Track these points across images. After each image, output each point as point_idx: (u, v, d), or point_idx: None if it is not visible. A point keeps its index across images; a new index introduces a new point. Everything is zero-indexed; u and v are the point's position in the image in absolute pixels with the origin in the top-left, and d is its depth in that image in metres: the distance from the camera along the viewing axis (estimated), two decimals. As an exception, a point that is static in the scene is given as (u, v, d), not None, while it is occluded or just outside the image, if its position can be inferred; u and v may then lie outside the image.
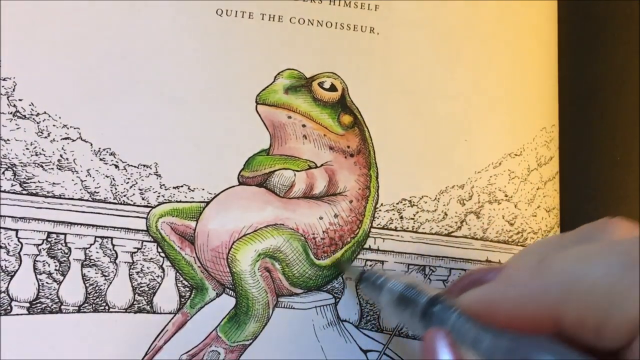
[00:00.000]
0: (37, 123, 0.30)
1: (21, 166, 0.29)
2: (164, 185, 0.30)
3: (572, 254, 0.18)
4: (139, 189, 0.30)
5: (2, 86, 0.30)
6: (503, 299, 0.19)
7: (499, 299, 0.19)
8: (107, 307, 0.29)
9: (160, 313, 0.29)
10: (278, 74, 0.32)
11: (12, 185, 0.29)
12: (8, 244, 0.29)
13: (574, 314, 0.17)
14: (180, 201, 0.30)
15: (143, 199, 0.30)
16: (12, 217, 0.29)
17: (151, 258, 0.30)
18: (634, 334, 0.16)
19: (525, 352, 0.18)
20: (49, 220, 0.29)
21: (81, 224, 0.29)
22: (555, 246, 0.20)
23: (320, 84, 0.31)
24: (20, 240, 0.29)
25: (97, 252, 0.29)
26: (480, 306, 0.19)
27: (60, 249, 0.29)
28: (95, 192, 0.30)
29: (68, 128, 0.30)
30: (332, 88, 0.32)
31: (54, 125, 0.30)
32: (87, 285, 0.29)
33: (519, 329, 0.18)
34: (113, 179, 0.30)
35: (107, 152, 0.30)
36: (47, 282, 0.29)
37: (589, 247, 0.18)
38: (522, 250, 0.23)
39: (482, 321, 0.19)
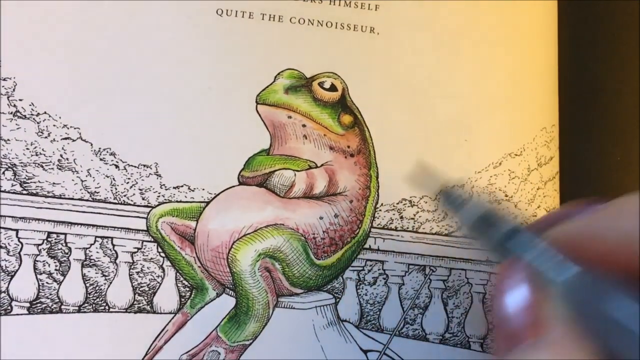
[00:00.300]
0: (38, 123, 0.30)
1: (21, 166, 0.29)
2: (164, 185, 0.30)
3: None
4: (139, 189, 0.30)
5: (3, 86, 0.30)
6: (608, 230, 0.16)
7: (602, 230, 0.16)
8: (107, 307, 0.29)
9: (161, 313, 0.29)
10: (278, 74, 0.32)
11: (13, 185, 0.29)
12: (8, 244, 0.29)
13: None
14: (180, 201, 0.30)
15: (143, 199, 0.30)
16: (12, 217, 0.29)
17: (151, 258, 0.30)
18: None
19: (612, 291, 0.16)
20: (49, 220, 0.29)
21: (81, 224, 0.29)
22: None
23: (321, 84, 0.32)
24: (21, 240, 0.29)
25: (97, 252, 0.29)
26: (576, 238, 0.17)
27: (61, 249, 0.29)
28: (95, 192, 0.30)
29: (68, 128, 0.30)
30: (332, 88, 0.32)
31: (54, 125, 0.30)
32: (87, 285, 0.29)
33: (611, 266, 0.16)
34: (113, 179, 0.30)
35: (107, 152, 0.30)
36: (47, 282, 0.29)
37: None
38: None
39: (573, 256, 0.17)
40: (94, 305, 0.29)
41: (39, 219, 0.29)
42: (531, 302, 0.17)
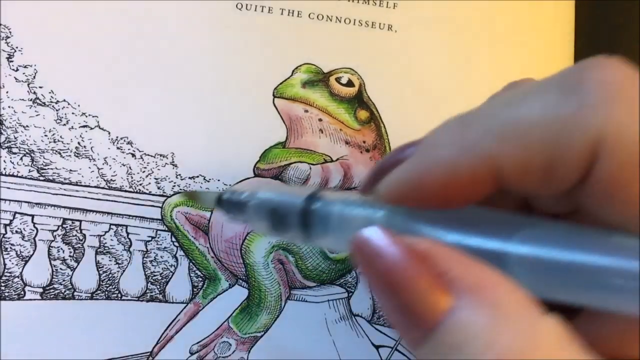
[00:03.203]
0: (57, 110, 0.30)
1: (39, 152, 0.30)
2: (179, 175, 0.30)
3: (497, 101, 0.16)
4: (155, 179, 0.30)
5: (23, 73, 0.30)
6: (428, 169, 0.15)
7: (423, 171, 0.15)
8: (119, 295, 0.29)
9: (173, 302, 0.29)
10: (296, 68, 0.32)
11: (30, 171, 0.29)
12: (24, 229, 0.29)
13: (516, 159, 0.14)
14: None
15: (159, 188, 0.30)
16: (28, 202, 0.29)
17: (165, 247, 0.30)
18: (590, 159, 0.14)
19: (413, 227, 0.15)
20: (64, 207, 0.29)
21: (96, 212, 0.30)
22: (472, 110, 0.17)
23: (338, 79, 0.32)
24: (36, 225, 0.29)
25: (111, 240, 0.29)
26: (402, 189, 0.16)
27: (75, 235, 0.29)
28: (111, 180, 0.30)
29: (87, 116, 0.30)
30: (349, 83, 0.32)
31: (72, 113, 0.30)
32: (101, 272, 0.29)
33: (454, 203, 0.15)
34: (129, 167, 0.30)
35: (124, 141, 0.30)
36: (61, 268, 0.29)
37: (520, 88, 0.15)
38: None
39: (410, 206, 0.16)
40: (106, 292, 0.29)
41: (54, 205, 0.29)
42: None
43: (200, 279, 0.30)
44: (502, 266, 0.14)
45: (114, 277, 0.29)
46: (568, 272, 0.13)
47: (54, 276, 0.29)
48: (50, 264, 0.29)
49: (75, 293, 0.29)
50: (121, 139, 0.30)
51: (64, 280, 0.29)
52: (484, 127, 0.15)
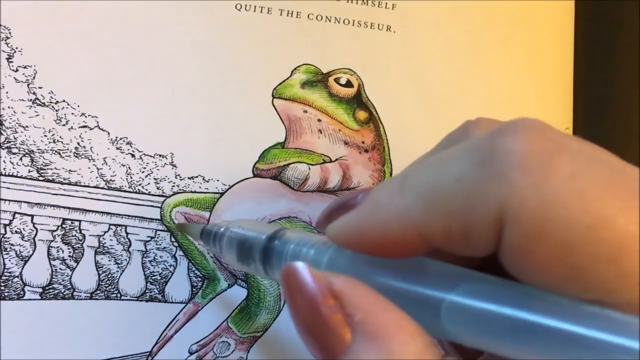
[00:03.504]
0: (56, 111, 0.30)
1: (39, 153, 0.30)
2: (179, 175, 0.30)
3: (429, 163, 0.17)
4: (154, 179, 0.30)
5: (23, 73, 0.30)
6: (368, 223, 0.17)
7: (363, 223, 0.17)
8: (119, 295, 0.29)
9: (172, 302, 0.29)
10: (295, 68, 0.32)
11: (30, 172, 0.29)
12: (23, 229, 0.29)
13: (438, 225, 0.15)
14: (194, 191, 0.30)
15: (158, 188, 0.30)
16: (28, 202, 0.29)
17: (164, 247, 0.30)
18: (498, 228, 0.14)
19: (363, 272, 0.17)
20: (64, 207, 0.29)
21: (96, 212, 0.30)
22: (419, 160, 0.19)
23: (337, 80, 0.32)
24: (36, 225, 0.29)
25: (110, 240, 0.30)
26: (347, 235, 0.17)
27: (75, 235, 0.29)
28: (110, 180, 0.30)
29: (86, 116, 0.30)
30: (348, 84, 0.32)
31: (72, 114, 0.30)
32: (100, 272, 0.29)
33: (389, 255, 0.17)
34: (129, 167, 0.30)
35: (123, 141, 0.30)
36: (60, 268, 0.29)
37: (444, 153, 0.16)
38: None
39: (350, 249, 0.18)
40: (106, 292, 0.29)
41: (54, 206, 0.29)
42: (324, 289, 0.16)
43: (200, 279, 0.30)
44: (436, 316, 0.15)
45: (113, 277, 0.29)
46: (491, 324, 0.14)
47: (54, 276, 0.29)
48: (50, 264, 0.29)
49: (75, 293, 0.29)
50: (120, 139, 0.30)
51: (63, 280, 0.29)
52: (413, 196, 0.16)
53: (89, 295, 0.29)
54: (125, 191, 0.30)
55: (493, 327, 0.14)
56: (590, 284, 0.13)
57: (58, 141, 0.30)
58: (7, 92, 0.30)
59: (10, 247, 0.29)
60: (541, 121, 0.15)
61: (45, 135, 0.30)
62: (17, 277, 0.28)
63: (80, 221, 0.29)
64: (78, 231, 0.29)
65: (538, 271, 0.14)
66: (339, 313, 0.15)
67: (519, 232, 0.14)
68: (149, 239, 0.30)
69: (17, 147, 0.29)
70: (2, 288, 0.28)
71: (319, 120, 0.31)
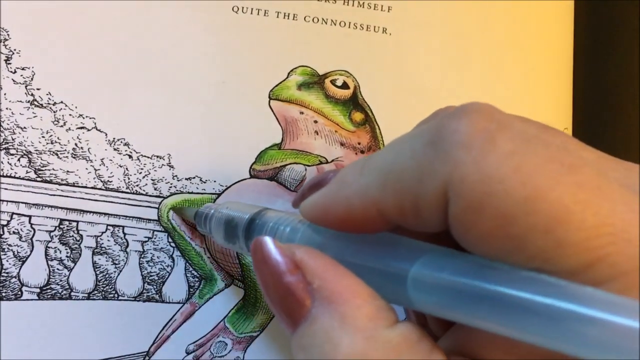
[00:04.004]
0: (54, 112, 0.30)
1: (37, 154, 0.30)
2: (176, 176, 0.30)
3: (389, 145, 0.18)
4: (152, 180, 0.30)
5: (21, 75, 0.30)
6: (334, 200, 0.18)
7: (330, 201, 0.18)
8: (116, 295, 0.29)
9: (169, 302, 0.29)
10: (291, 70, 0.32)
11: (27, 172, 0.30)
12: (21, 229, 0.29)
13: (393, 201, 0.17)
14: (192, 192, 0.30)
15: (155, 189, 0.30)
16: (26, 203, 0.29)
17: (161, 248, 0.30)
18: (444, 202, 0.15)
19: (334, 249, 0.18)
20: (62, 208, 0.30)
21: (93, 212, 0.30)
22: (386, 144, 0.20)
23: (333, 82, 0.32)
24: (33, 226, 0.29)
25: (108, 240, 0.30)
26: (316, 211, 0.19)
27: (72, 236, 0.29)
28: (108, 181, 0.30)
29: (84, 118, 0.30)
30: (345, 86, 0.32)
31: (70, 115, 0.30)
32: (98, 272, 0.29)
33: (355, 230, 0.18)
34: (126, 168, 0.30)
35: (121, 142, 0.30)
36: (58, 269, 0.29)
37: (403, 135, 0.18)
38: None
39: (320, 225, 0.19)
40: (103, 292, 0.29)
41: (52, 206, 0.30)
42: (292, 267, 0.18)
43: (197, 279, 0.30)
44: (403, 285, 0.16)
45: (110, 277, 0.29)
46: (453, 292, 0.15)
47: (51, 276, 0.29)
48: (48, 264, 0.29)
49: (72, 293, 0.29)
50: (118, 140, 0.30)
51: (61, 281, 0.29)
52: (372, 175, 0.17)
53: (86, 295, 0.29)
54: (122, 192, 0.30)
55: (455, 295, 0.15)
56: (530, 254, 0.14)
57: (56, 142, 0.30)
58: (5, 94, 0.30)
59: (7, 248, 0.29)
60: (490, 105, 0.16)
61: (43, 137, 0.30)
62: (15, 277, 0.29)
63: (77, 222, 0.30)
64: (75, 232, 0.30)
65: (482, 242, 0.15)
66: (301, 282, 0.17)
67: (462, 206, 0.15)
68: (147, 239, 0.30)
69: (15, 148, 0.30)
70: (0, 288, 0.28)
71: (315, 121, 0.32)
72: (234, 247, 0.24)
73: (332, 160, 0.31)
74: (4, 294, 0.28)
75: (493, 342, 0.16)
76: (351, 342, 0.15)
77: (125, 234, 0.30)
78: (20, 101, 0.30)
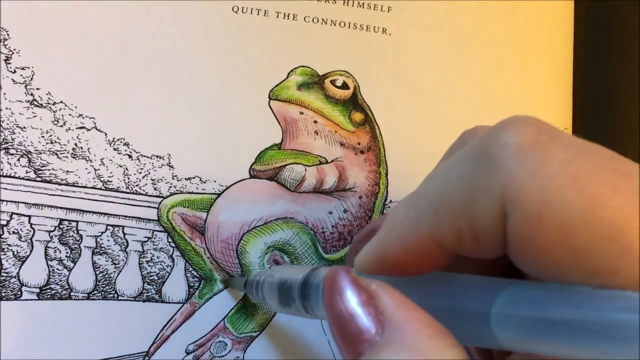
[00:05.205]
0: (54, 112, 0.30)
1: (36, 153, 0.30)
2: (176, 176, 0.30)
3: (433, 174, 0.17)
4: (152, 179, 0.30)
5: (21, 75, 0.30)
6: (387, 245, 0.18)
7: (384, 247, 0.18)
8: (116, 295, 0.29)
9: (169, 302, 0.29)
10: (291, 70, 0.32)
11: (27, 172, 0.30)
12: (21, 229, 0.29)
13: (448, 228, 0.16)
14: (191, 192, 0.30)
15: (155, 189, 0.30)
16: (25, 203, 0.29)
17: (161, 248, 0.30)
18: (502, 219, 0.15)
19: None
20: (61, 208, 0.30)
21: (93, 212, 0.30)
22: (427, 176, 0.19)
23: (333, 82, 0.32)
24: (33, 226, 0.29)
25: (108, 240, 0.30)
26: (372, 262, 0.18)
27: (72, 236, 0.29)
28: (108, 181, 0.30)
29: (83, 118, 0.30)
30: (344, 86, 0.32)
31: (69, 115, 0.30)
32: (97, 272, 0.29)
33: (414, 271, 0.18)
34: (126, 168, 0.30)
35: (121, 142, 0.30)
36: (57, 269, 0.29)
37: (445, 162, 0.17)
38: None
39: (378, 275, 0.18)
40: (103, 292, 0.29)
41: (51, 206, 0.30)
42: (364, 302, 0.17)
43: (197, 279, 0.30)
44: (483, 323, 0.15)
45: (110, 277, 0.29)
46: (541, 326, 0.14)
47: (51, 276, 0.29)
48: (47, 264, 0.29)
49: (72, 293, 0.29)
50: (118, 140, 0.30)
51: (60, 281, 0.29)
52: (422, 207, 0.17)
53: (86, 295, 0.29)
54: (122, 192, 0.30)
55: (543, 329, 0.14)
56: (593, 265, 0.13)
57: (55, 142, 0.30)
58: (5, 93, 0.30)
59: (7, 248, 0.29)
60: (534, 116, 0.16)
61: (43, 136, 0.30)
62: (15, 277, 0.29)
63: (77, 222, 0.30)
64: (75, 232, 0.30)
65: (543, 258, 0.14)
66: (373, 308, 0.16)
67: (520, 219, 0.14)
68: (146, 239, 0.30)
69: (14, 148, 0.30)
70: (0, 288, 0.28)
71: (315, 121, 0.32)
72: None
73: (332, 161, 0.31)
74: (3, 294, 0.28)
75: None
76: None
77: (125, 234, 0.30)
78: (20, 101, 0.30)
